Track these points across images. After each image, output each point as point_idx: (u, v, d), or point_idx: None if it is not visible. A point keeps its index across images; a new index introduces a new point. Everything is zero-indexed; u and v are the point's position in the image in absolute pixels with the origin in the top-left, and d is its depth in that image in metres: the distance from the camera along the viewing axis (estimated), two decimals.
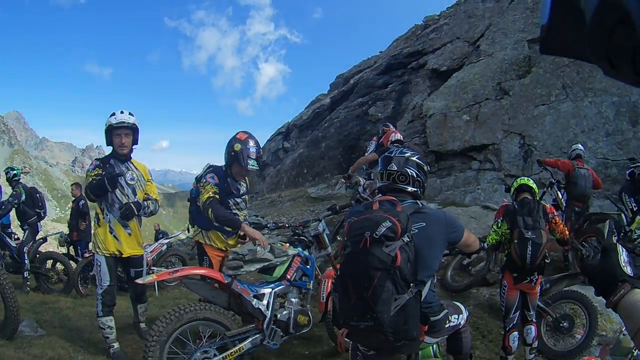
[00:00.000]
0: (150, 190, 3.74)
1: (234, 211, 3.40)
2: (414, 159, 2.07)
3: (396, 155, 2.09)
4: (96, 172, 3.44)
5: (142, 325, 3.84)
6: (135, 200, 3.53)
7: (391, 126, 6.06)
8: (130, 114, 3.44)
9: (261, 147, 3.41)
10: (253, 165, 3.26)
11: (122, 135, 3.42)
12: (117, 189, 3.44)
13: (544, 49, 0.53)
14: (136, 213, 3.47)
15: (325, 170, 12.57)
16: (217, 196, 3.21)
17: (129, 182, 3.50)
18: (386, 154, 2.16)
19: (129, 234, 3.54)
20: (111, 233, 3.45)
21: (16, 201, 6.46)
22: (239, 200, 3.44)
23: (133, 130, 3.49)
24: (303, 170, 13.27)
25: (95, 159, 3.58)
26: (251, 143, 3.28)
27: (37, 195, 7.09)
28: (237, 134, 3.35)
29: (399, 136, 5.40)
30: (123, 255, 3.50)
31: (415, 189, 2.04)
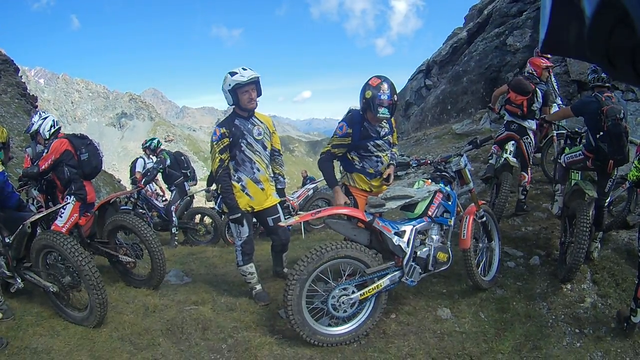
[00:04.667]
0: (275, 141, 3.70)
1: (376, 153, 3.35)
2: None
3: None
4: (224, 143, 3.38)
5: (285, 270, 3.92)
6: (267, 153, 3.53)
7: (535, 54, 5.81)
8: (250, 68, 3.35)
9: (396, 90, 3.18)
10: (383, 114, 3.12)
11: (249, 91, 3.35)
12: (247, 148, 3.42)
13: (545, 48, 0.54)
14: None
15: (469, 105, 11.96)
16: (335, 150, 3.35)
17: (256, 137, 3.47)
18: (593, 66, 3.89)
19: (262, 189, 3.53)
20: (243, 191, 3.47)
21: (161, 167, 6.99)
22: (379, 142, 3.35)
23: (257, 83, 3.39)
24: (447, 106, 12.77)
25: (218, 126, 3.47)
26: (383, 88, 3.11)
27: (182, 157, 7.47)
28: (370, 79, 3.21)
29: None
30: (255, 210, 3.54)
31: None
